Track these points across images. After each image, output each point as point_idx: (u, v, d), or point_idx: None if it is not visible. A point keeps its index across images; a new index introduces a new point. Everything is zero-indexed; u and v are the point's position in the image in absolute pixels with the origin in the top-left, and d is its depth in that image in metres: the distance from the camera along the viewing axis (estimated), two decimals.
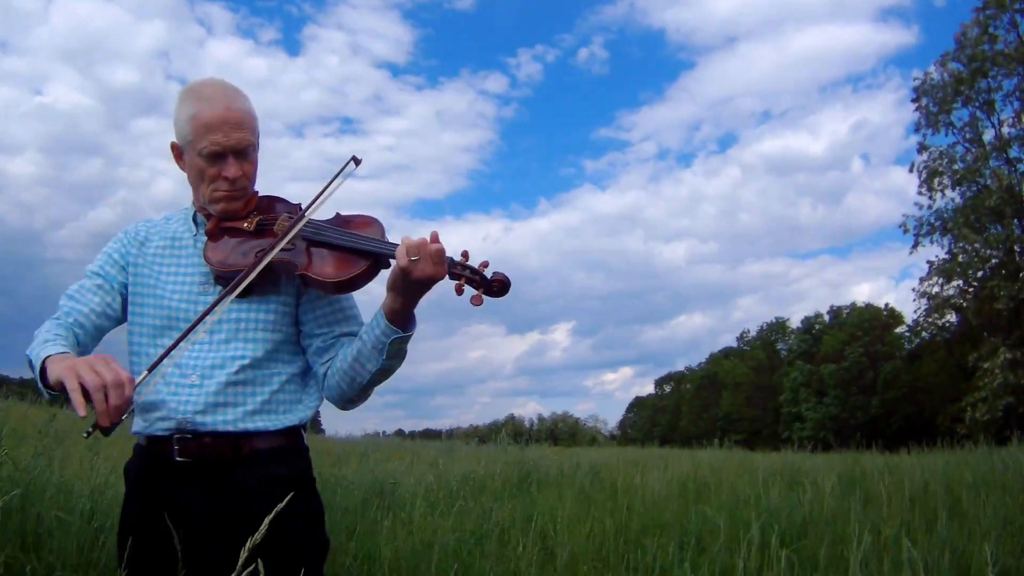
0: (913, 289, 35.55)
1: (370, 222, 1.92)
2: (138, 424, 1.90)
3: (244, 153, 1.91)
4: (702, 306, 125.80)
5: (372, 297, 1.93)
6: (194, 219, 2.03)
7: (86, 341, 1.87)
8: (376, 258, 1.82)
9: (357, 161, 1.92)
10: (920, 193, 32.70)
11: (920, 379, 45.18)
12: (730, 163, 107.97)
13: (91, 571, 3.19)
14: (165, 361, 1.74)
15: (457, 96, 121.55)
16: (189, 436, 1.82)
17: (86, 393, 1.48)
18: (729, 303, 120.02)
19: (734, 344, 75.98)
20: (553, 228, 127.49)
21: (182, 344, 1.74)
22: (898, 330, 52.41)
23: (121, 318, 1.97)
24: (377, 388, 1.93)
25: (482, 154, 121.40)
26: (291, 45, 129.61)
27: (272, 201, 2.03)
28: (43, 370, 1.64)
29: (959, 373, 36.12)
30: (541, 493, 7.96)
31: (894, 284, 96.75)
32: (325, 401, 2.00)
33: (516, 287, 1.76)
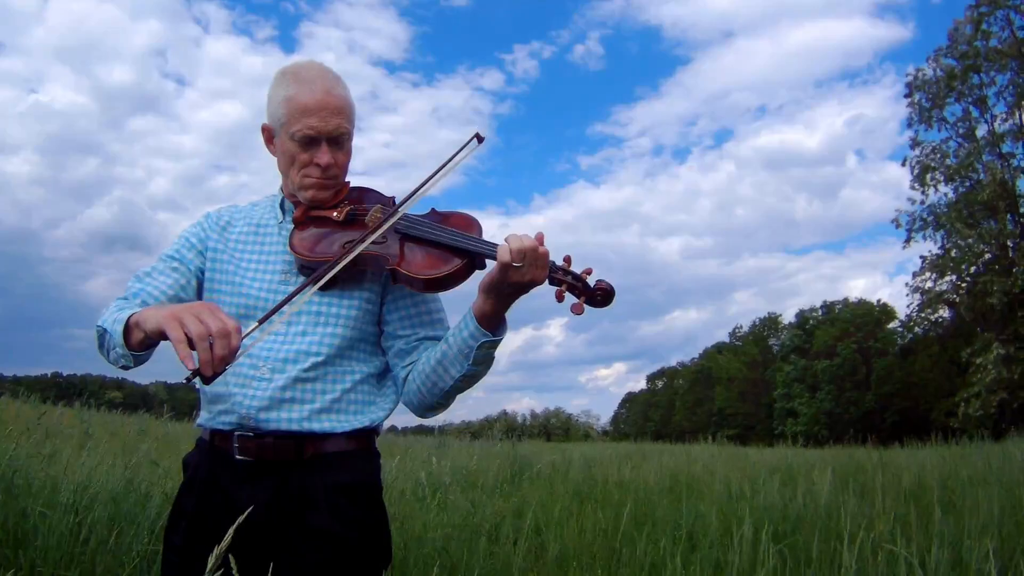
0: (906, 284, 35.67)
1: (469, 221, 1.79)
2: (202, 417, 1.83)
3: (339, 141, 1.83)
4: (697, 301, 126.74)
5: (456, 299, 1.83)
6: (281, 205, 1.95)
7: None
8: (472, 258, 1.71)
9: (480, 139, 1.80)
10: (913, 188, 32.78)
11: (914, 374, 45.31)
12: (726, 158, 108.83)
13: (73, 567, 3.14)
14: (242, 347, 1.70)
15: (453, 93, 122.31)
16: (251, 434, 1.74)
17: (190, 342, 1.39)
18: (724, 298, 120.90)
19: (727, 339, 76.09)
20: (548, 224, 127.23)
21: (256, 333, 1.60)
22: (891, 325, 52.60)
23: None
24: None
25: (477, 150, 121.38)
26: (287, 43, 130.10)
27: (364, 192, 1.94)
28: (126, 332, 1.57)
29: (952, 368, 36.23)
30: (533, 488, 7.93)
31: (889, 279, 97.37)
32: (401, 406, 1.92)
33: None
